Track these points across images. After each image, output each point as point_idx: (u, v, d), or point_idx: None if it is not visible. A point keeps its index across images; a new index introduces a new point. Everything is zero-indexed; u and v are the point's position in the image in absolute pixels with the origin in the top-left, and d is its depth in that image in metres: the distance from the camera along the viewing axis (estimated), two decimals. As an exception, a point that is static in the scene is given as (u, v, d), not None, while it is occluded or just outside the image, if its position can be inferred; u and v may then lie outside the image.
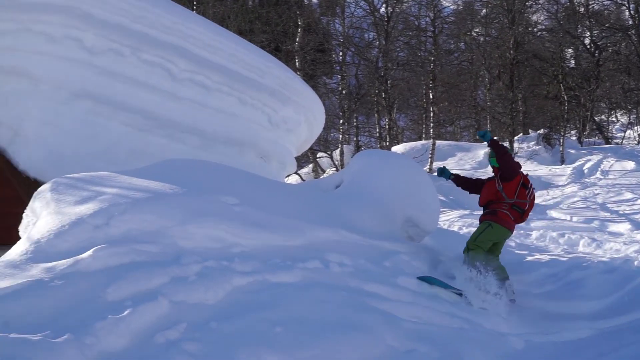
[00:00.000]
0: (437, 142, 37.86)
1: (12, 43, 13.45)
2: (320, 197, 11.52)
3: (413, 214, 11.92)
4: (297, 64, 37.54)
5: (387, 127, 38.67)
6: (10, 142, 13.49)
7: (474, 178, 11.98)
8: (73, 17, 13.63)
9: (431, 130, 39.63)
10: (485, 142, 11.23)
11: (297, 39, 39.74)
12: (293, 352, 6.67)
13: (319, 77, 43.32)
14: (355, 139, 41.35)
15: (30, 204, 9.36)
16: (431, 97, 40.45)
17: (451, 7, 50.62)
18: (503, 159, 10.62)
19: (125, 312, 6.80)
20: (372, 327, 7.65)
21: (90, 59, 13.92)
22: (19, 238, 9.08)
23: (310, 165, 39.24)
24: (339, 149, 38.02)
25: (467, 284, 9.98)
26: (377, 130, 40.17)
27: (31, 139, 13.45)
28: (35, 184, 11.47)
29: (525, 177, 10.93)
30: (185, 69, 15.31)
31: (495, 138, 11.11)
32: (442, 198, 21.15)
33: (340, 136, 38.91)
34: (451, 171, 11.93)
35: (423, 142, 40.24)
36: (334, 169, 37.21)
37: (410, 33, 43.06)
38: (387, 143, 37.89)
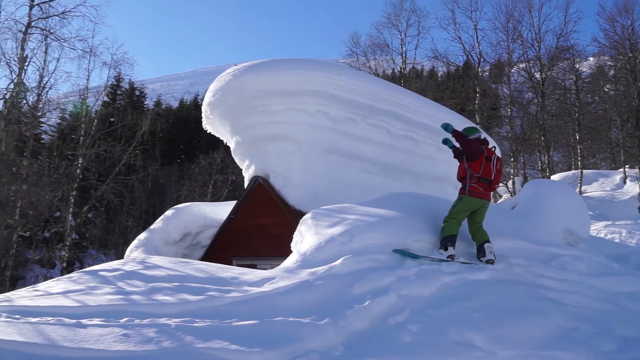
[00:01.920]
0: (584, 171, 36.15)
1: (282, 118, 13.92)
2: (501, 216, 11.21)
3: (571, 225, 11.43)
4: (477, 119, 36.99)
5: (546, 161, 37.53)
6: (283, 185, 13.91)
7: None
8: (322, 97, 13.95)
9: (578, 162, 37.96)
10: (450, 139, 10.01)
11: (476, 102, 39.18)
12: (488, 331, 6.51)
13: (492, 128, 42.42)
14: (522, 172, 40.25)
15: (298, 227, 9.54)
16: (577, 138, 38.85)
17: (588, 71, 48.56)
18: (467, 146, 9.32)
19: (366, 303, 6.84)
20: (545, 311, 7.37)
21: (334, 125, 14.17)
22: (290, 252, 9.25)
23: (490, 193, 38.46)
24: (511, 179, 37.18)
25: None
26: (539, 164, 39.06)
27: (296, 183, 13.79)
28: (300, 214, 11.70)
29: (490, 151, 9.53)
30: (400, 128, 15.30)
31: (455, 129, 9.80)
32: (590, 213, 20.20)
33: (512, 170, 38.03)
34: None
35: (573, 171, 38.48)
36: (509, 194, 36.34)
37: (559, 92, 41.56)
38: (547, 173, 36.78)
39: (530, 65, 40.60)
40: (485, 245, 9.03)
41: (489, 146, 9.65)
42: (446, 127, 9.54)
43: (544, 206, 11.30)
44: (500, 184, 38.49)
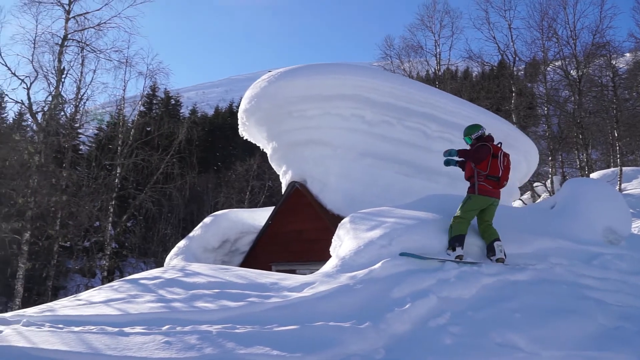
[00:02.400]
0: (623, 168, 35.60)
1: (318, 123, 13.97)
2: (540, 215, 11.11)
3: (611, 223, 11.25)
4: (513, 119, 36.66)
5: (585, 160, 37.06)
6: (320, 190, 13.95)
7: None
8: (357, 101, 13.96)
9: (617, 159, 37.44)
10: (455, 158, 9.69)
11: (512, 101, 38.85)
12: (529, 331, 6.48)
13: (529, 128, 41.99)
14: (561, 170, 39.78)
15: (337, 232, 9.55)
16: (615, 135, 38.31)
17: (624, 67, 47.82)
18: (473, 157, 9.16)
19: (407, 306, 6.85)
20: (587, 311, 7.30)
21: (369, 129, 14.16)
22: (329, 256, 9.27)
23: (529, 192, 38.00)
24: (550, 179, 36.79)
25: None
26: (578, 163, 38.60)
27: (333, 187, 13.81)
28: (338, 218, 11.70)
29: (496, 147, 9.34)
30: (436, 129, 15.25)
31: (459, 150, 9.47)
32: (631, 210, 19.91)
33: (550, 169, 37.63)
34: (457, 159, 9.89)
35: (612, 169, 37.90)
36: (547, 194, 35.98)
37: (596, 89, 41.02)
38: (586, 172, 36.31)
39: (566, 62, 40.22)
40: (495, 243, 8.86)
41: (494, 142, 9.51)
42: (449, 153, 9.52)
43: (584, 205, 11.16)
44: (540, 183, 38.17)
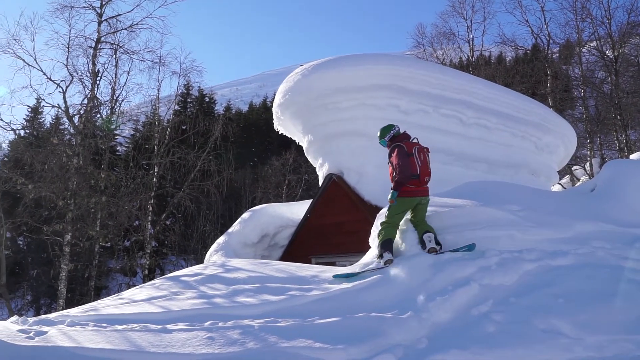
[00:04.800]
0: (664, 147, 35.00)
1: (353, 114, 14.00)
2: (581, 198, 10.96)
3: (655, 204, 11.06)
4: (550, 102, 36.20)
5: (624, 141, 36.46)
6: (358, 181, 13.97)
7: None
8: (392, 91, 13.96)
9: (658, 139, 36.88)
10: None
11: (548, 85, 38.43)
12: (573, 316, 6.38)
13: (566, 111, 41.40)
14: (600, 153, 39.19)
15: (375, 222, 9.52)
16: (655, 114, 37.75)
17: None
18: (402, 173, 8.66)
19: (448, 294, 6.82)
20: (631, 294, 7.14)
21: (405, 117, 14.10)
22: (369, 247, 9.26)
23: (568, 176, 37.53)
24: (588, 161, 36.33)
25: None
26: (617, 144, 38.00)
27: (370, 178, 13.81)
28: (376, 209, 11.68)
29: (409, 144, 8.91)
30: (472, 116, 15.17)
31: (393, 189, 8.75)
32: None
33: (588, 152, 37.13)
34: None
35: (652, 149, 37.36)
36: (587, 177, 35.51)
37: (633, 68, 40.27)
38: (626, 153, 35.72)
39: (602, 43, 39.60)
40: (424, 236, 8.50)
41: (411, 139, 9.22)
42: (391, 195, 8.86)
43: (625, 186, 10.95)
44: (578, 167, 37.66)
